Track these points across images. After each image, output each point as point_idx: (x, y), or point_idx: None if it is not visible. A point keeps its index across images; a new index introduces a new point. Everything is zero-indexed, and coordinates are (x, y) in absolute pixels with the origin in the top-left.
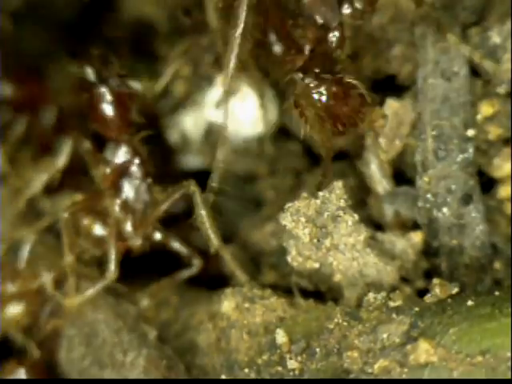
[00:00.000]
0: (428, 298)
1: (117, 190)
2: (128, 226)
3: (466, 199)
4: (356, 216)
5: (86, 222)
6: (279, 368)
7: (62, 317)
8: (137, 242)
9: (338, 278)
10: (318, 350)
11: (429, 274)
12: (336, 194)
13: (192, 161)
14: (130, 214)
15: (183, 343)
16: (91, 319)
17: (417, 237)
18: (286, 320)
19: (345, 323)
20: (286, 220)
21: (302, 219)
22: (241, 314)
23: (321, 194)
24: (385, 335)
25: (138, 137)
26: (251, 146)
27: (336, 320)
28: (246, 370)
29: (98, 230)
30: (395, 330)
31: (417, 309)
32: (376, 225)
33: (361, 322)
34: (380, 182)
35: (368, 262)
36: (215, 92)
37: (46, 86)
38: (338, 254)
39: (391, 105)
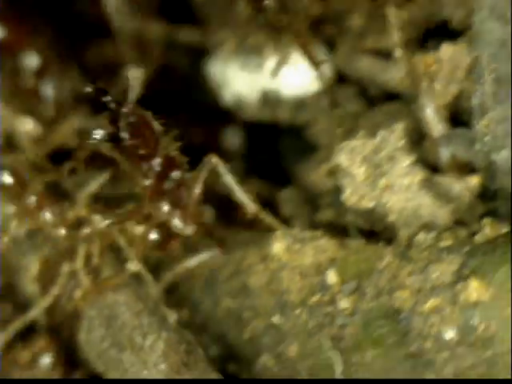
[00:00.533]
0: (478, 238)
1: (160, 196)
2: (177, 222)
3: None
4: (412, 157)
5: (139, 229)
6: (331, 308)
7: (83, 298)
8: (190, 231)
9: (392, 217)
10: (368, 289)
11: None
12: (396, 134)
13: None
14: (177, 210)
15: (235, 285)
16: (112, 301)
17: (473, 180)
18: (337, 260)
19: (395, 263)
20: (342, 158)
21: (358, 158)
22: (292, 256)
23: (381, 133)
24: (435, 274)
25: (168, 144)
26: (310, 99)
27: (387, 260)
28: (298, 311)
29: (153, 234)
30: (446, 270)
31: (467, 248)
32: (431, 167)
33: (411, 261)
34: (435, 127)
35: (423, 203)
36: (268, 61)
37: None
38: (392, 194)
39: (446, 49)
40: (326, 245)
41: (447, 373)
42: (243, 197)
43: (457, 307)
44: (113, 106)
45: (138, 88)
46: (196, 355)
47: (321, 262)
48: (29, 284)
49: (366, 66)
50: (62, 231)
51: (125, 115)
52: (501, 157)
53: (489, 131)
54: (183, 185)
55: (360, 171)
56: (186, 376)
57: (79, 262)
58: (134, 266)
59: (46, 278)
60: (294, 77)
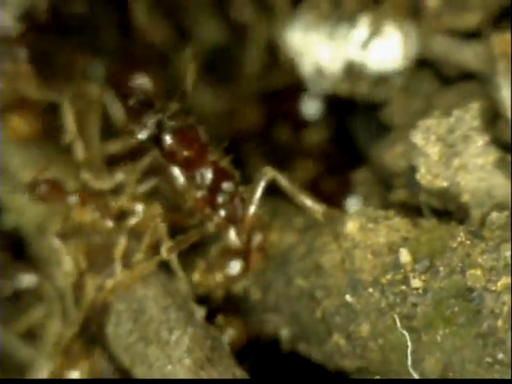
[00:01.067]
0: None
1: (213, 209)
2: (232, 236)
3: None
4: (486, 137)
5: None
6: (403, 287)
7: (112, 292)
8: (240, 245)
9: (465, 197)
10: (441, 268)
11: None
12: (471, 114)
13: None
14: (232, 224)
15: (308, 265)
16: (141, 295)
17: None
18: (410, 240)
19: (468, 242)
20: (417, 138)
21: (433, 137)
22: (365, 235)
23: (455, 113)
24: (508, 253)
25: (219, 155)
26: (389, 76)
27: (459, 239)
28: (371, 290)
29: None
30: None
31: None
32: (506, 147)
33: (484, 240)
34: (510, 107)
35: (496, 183)
36: (359, 31)
37: None
38: (466, 173)
39: None
40: (398, 224)
41: None
42: (307, 202)
43: None
44: (158, 116)
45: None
46: (221, 351)
47: (394, 240)
48: (61, 278)
49: (441, 46)
50: (110, 223)
51: (169, 119)
52: None
53: None
54: (237, 197)
55: (434, 150)
56: (210, 372)
57: (118, 254)
58: (165, 255)
59: (79, 271)
60: (383, 51)
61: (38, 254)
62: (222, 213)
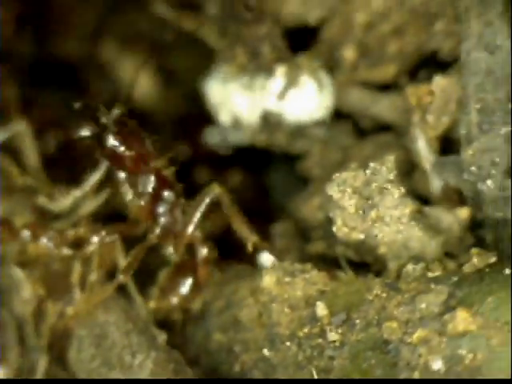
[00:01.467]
0: (466, 268)
1: (154, 218)
2: (169, 250)
3: (510, 172)
4: (403, 189)
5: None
6: (320, 340)
7: (73, 318)
8: (177, 259)
9: (382, 249)
10: (357, 321)
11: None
12: (387, 166)
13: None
14: (170, 236)
15: (226, 319)
16: (102, 321)
17: (464, 212)
18: (327, 293)
19: (384, 294)
20: (333, 190)
21: (349, 190)
22: (282, 288)
23: (371, 165)
24: (423, 305)
25: (162, 163)
26: (307, 127)
27: (375, 291)
28: (288, 343)
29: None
30: (434, 300)
31: (455, 278)
32: (422, 199)
33: (400, 292)
34: (427, 158)
35: (413, 235)
36: (275, 81)
37: None
38: (383, 226)
39: (439, 82)
40: (315, 277)
41: None
42: (243, 228)
43: (444, 337)
44: (103, 120)
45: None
46: (184, 374)
47: (310, 294)
48: (20, 306)
49: (357, 98)
50: (65, 251)
51: (111, 122)
52: (486, 186)
53: (475, 161)
54: (177, 209)
55: (351, 203)
56: None
57: (75, 280)
58: (122, 278)
59: (38, 298)
60: (299, 102)
61: None
62: (162, 223)
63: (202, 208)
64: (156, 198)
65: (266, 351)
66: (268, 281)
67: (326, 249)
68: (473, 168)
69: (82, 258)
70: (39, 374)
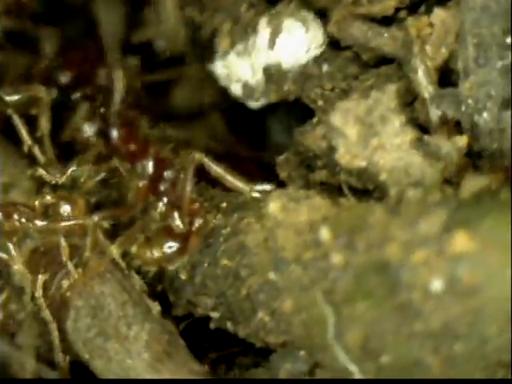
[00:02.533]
0: (464, 193)
1: (157, 196)
2: (177, 222)
3: (505, 104)
4: (403, 118)
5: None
6: (323, 263)
7: (71, 288)
8: (183, 229)
9: (383, 176)
10: (360, 244)
11: None
12: (388, 95)
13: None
14: (175, 211)
15: (233, 245)
16: (98, 292)
17: (462, 140)
18: (330, 218)
19: (385, 218)
20: (336, 119)
21: (351, 119)
22: (287, 214)
23: (373, 94)
24: (423, 227)
25: (159, 145)
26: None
27: (377, 215)
28: (293, 267)
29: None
30: (433, 223)
31: (454, 202)
32: (422, 128)
33: (400, 216)
34: (426, 88)
35: (413, 162)
36: (262, 35)
37: None
38: (384, 153)
39: (438, 14)
40: (319, 203)
41: (435, 323)
42: (236, 183)
43: (443, 258)
44: (102, 110)
45: (122, 89)
46: (178, 345)
47: (314, 219)
48: (17, 276)
49: (360, 32)
50: (39, 223)
51: (113, 114)
52: (483, 119)
53: (471, 94)
54: (179, 184)
55: (353, 131)
56: (168, 365)
57: (65, 254)
58: (115, 252)
59: (34, 269)
60: (291, 46)
61: None
62: (165, 200)
63: (190, 179)
64: (157, 178)
65: (271, 275)
66: (273, 207)
67: (329, 177)
68: (469, 101)
69: (61, 231)
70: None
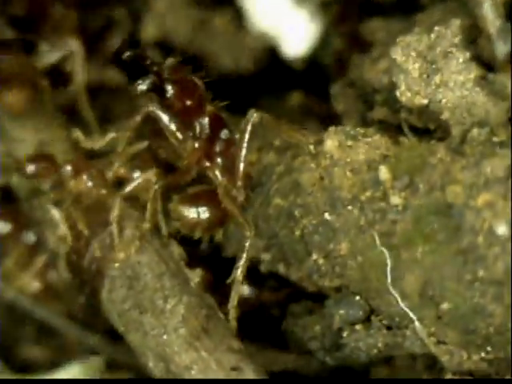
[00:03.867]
0: None
1: (212, 159)
2: (229, 187)
3: None
4: (467, 54)
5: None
6: (382, 204)
7: (107, 257)
8: (242, 198)
9: (446, 115)
10: (421, 185)
11: None
12: (452, 30)
13: None
14: (230, 175)
15: (286, 184)
16: (134, 261)
17: None
18: (389, 157)
19: (448, 158)
20: (397, 54)
21: (413, 54)
22: (344, 152)
23: (436, 29)
24: (488, 169)
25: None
26: None
27: (439, 155)
28: (350, 207)
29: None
30: (499, 164)
31: None
32: (487, 66)
33: (464, 156)
34: (493, 23)
35: (477, 100)
36: None
37: None
38: (447, 91)
39: None
40: (378, 141)
41: (498, 269)
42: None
43: (509, 202)
44: (155, 68)
45: None
46: (216, 321)
47: (373, 158)
48: (55, 241)
49: None
50: (104, 191)
51: (167, 69)
52: None
53: None
54: (233, 145)
55: (415, 67)
56: (206, 342)
57: (114, 219)
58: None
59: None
60: None
61: (29, 213)
62: (219, 161)
63: (247, 137)
64: (212, 138)
65: (327, 215)
66: (330, 144)
67: (388, 115)
68: None
69: (121, 197)
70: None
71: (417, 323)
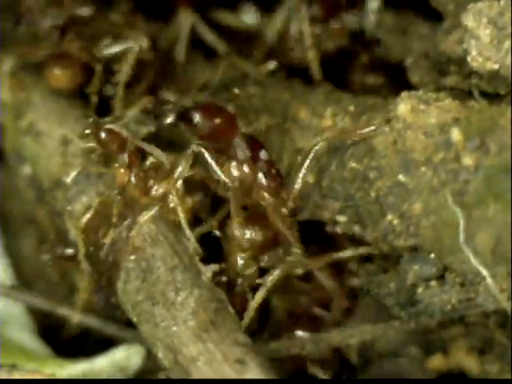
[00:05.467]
0: None
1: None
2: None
3: None
4: None
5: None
6: (454, 165)
7: (124, 249)
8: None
9: None
10: (492, 146)
11: None
12: None
13: None
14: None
15: (361, 148)
16: (149, 254)
17: None
18: (461, 120)
19: None
20: (468, 20)
21: (484, 20)
22: (416, 116)
23: None
24: None
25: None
26: None
27: (509, 117)
28: (423, 168)
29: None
30: None
31: None
32: None
33: None
34: None
35: None
36: None
37: None
38: None
39: None
40: (449, 105)
41: None
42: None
43: None
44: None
45: None
46: (225, 314)
47: (445, 121)
48: (72, 229)
49: None
50: (136, 193)
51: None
52: None
53: None
54: (274, 166)
55: (486, 33)
56: (213, 335)
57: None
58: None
59: (91, 226)
60: None
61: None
62: (264, 182)
63: (308, 163)
64: (253, 159)
65: (401, 177)
66: (403, 109)
67: (459, 82)
68: None
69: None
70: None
71: (489, 280)
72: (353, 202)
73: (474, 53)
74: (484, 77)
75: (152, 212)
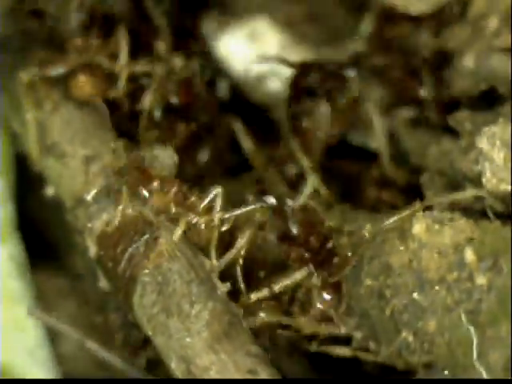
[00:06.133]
0: None
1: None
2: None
3: None
4: None
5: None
6: (468, 284)
7: (141, 264)
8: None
9: None
10: (504, 266)
11: None
12: None
13: None
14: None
15: (377, 266)
16: (165, 268)
17: None
18: (474, 240)
19: None
20: (483, 143)
21: (498, 142)
22: (431, 236)
23: None
24: None
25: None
26: None
27: None
28: (437, 287)
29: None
30: None
31: None
32: None
33: None
34: None
35: None
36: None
37: None
38: None
39: None
40: (463, 225)
41: None
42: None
43: None
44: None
45: None
46: (239, 327)
47: (459, 241)
48: (91, 246)
49: (500, 63)
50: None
51: (294, 211)
52: None
53: None
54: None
55: (500, 155)
56: (226, 346)
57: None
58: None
59: (108, 242)
60: None
61: (72, 223)
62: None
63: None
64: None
65: (415, 295)
66: (418, 228)
67: (473, 201)
68: None
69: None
70: None
71: None
72: (368, 319)
73: (488, 174)
74: (498, 198)
75: (183, 228)
